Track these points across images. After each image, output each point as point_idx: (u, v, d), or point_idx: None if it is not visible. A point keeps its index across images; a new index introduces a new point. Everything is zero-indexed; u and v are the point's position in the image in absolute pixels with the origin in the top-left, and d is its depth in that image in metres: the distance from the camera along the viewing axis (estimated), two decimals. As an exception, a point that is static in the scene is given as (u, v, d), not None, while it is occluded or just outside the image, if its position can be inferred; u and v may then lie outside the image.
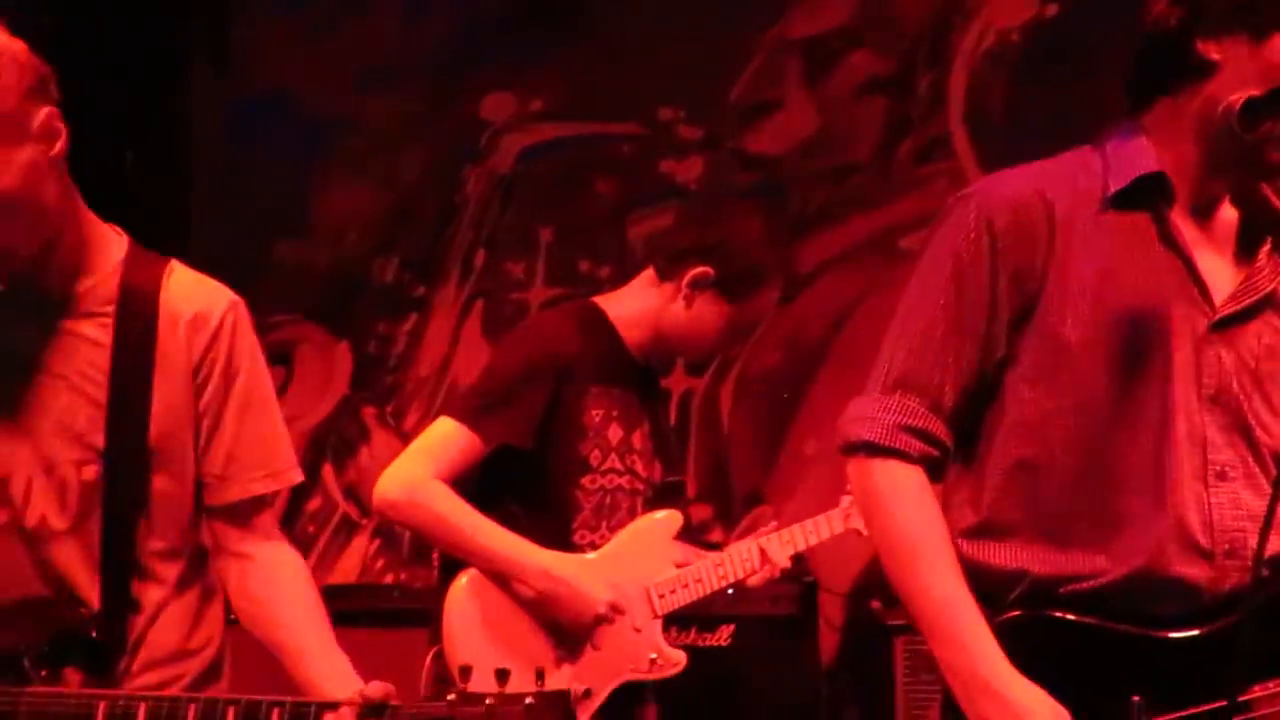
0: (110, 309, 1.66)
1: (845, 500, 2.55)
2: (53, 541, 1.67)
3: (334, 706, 1.50)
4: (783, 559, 2.50)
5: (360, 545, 3.91)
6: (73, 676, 1.63)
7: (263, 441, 1.73)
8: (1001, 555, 1.58)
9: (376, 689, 1.51)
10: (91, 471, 1.65)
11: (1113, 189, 1.59)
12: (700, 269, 2.38)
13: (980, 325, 1.58)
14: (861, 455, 1.59)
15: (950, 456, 1.62)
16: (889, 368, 1.60)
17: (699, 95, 3.88)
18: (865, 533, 2.57)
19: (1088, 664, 1.53)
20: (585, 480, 2.38)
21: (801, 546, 2.53)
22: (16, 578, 1.68)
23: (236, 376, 1.71)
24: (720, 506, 3.82)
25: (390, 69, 3.98)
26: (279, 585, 1.72)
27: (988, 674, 1.51)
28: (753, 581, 2.49)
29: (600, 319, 2.44)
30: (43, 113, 1.57)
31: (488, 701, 1.44)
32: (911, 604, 1.56)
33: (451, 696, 1.46)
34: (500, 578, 2.32)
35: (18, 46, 1.57)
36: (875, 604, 3.27)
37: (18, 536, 1.68)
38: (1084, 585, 1.55)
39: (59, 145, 1.59)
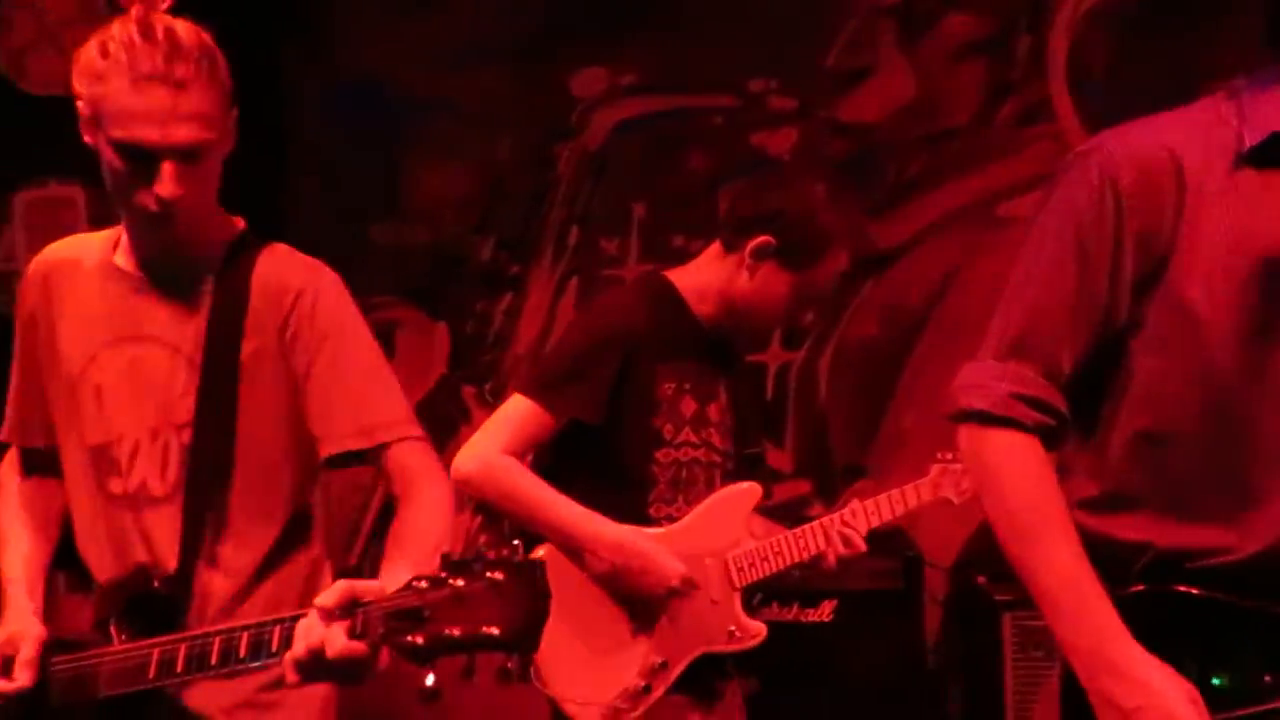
0: (212, 281, 1.76)
1: (934, 469, 2.51)
2: (151, 507, 1.75)
3: (304, 615, 1.50)
4: (866, 530, 2.45)
5: (463, 521, 3.95)
6: (156, 635, 1.67)
7: (365, 396, 1.75)
8: (1124, 528, 1.52)
9: (335, 593, 1.49)
10: (188, 435, 1.73)
11: (1248, 144, 1.48)
12: (761, 239, 2.37)
13: (1101, 290, 1.50)
14: (974, 424, 1.53)
15: (1067, 425, 1.55)
16: (1003, 333, 1.54)
17: (791, 65, 3.83)
18: (956, 501, 2.54)
19: (1215, 641, 1.48)
20: (659, 454, 2.38)
21: (888, 517, 2.48)
22: (130, 551, 1.76)
23: (325, 339, 1.75)
24: (819, 481, 3.78)
25: (480, 48, 3.99)
26: (398, 517, 1.74)
27: (1114, 653, 1.45)
28: (834, 556, 2.45)
29: (670, 293, 2.43)
30: (234, 110, 1.74)
31: (455, 584, 1.38)
32: (1030, 579, 1.50)
33: (421, 583, 1.41)
34: (574, 551, 2.33)
35: None
36: (981, 579, 3.21)
37: (126, 505, 1.76)
38: (1213, 560, 1.49)
39: (234, 135, 1.75)
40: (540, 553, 2.34)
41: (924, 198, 3.78)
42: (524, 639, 1.38)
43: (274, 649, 1.53)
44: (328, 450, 1.75)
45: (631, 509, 2.37)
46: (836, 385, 3.83)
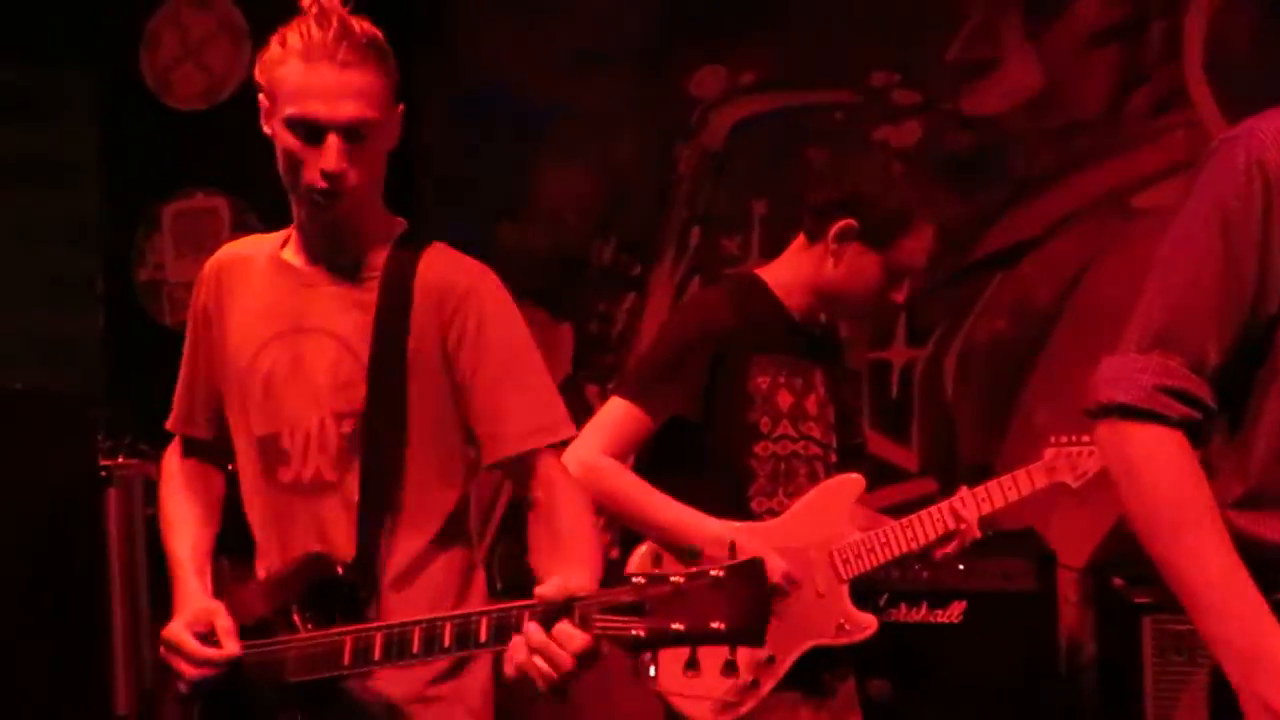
0: (377, 275, 1.82)
1: (1048, 452, 2.47)
2: (320, 494, 1.80)
3: (533, 607, 1.53)
4: (977, 517, 2.42)
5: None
6: (338, 623, 1.72)
7: (527, 400, 1.80)
8: (1273, 528, 1.46)
9: (555, 587, 1.53)
10: (349, 425, 1.79)
11: None
12: (842, 223, 2.38)
13: (1250, 278, 1.45)
14: (1115, 418, 1.48)
15: (1214, 420, 1.50)
16: (1145, 325, 1.49)
17: (913, 58, 3.78)
18: (1074, 485, 2.48)
19: None
20: (757, 448, 2.39)
21: (1000, 503, 2.44)
22: (299, 538, 1.81)
23: (488, 342, 1.80)
24: (945, 480, 3.72)
25: (602, 51, 4.02)
26: (554, 533, 1.77)
27: (1273, 651, 1.39)
28: (949, 548, 2.42)
29: (760, 288, 2.45)
30: (399, 106, 1.83)
31: (675, 580, 1.41)
32: (1176, 577, 1.44)
33: (639, 580, 1.43)
34: (675, 548, 2.33)
35: None
36: (1119, 581, 3.12)
37: (295, 493, 1.81)
38: None
39: (399, 131, 1.82)
40: (641, 551, 2.37)
41: (1054, 190, 3.69)
42: (751, 633, 1.40)
43: (481, 640, 1.57)
44: (505, 451, 1.79)
45: (732, 503, 2.37)
46: (964, 382, 3.76)
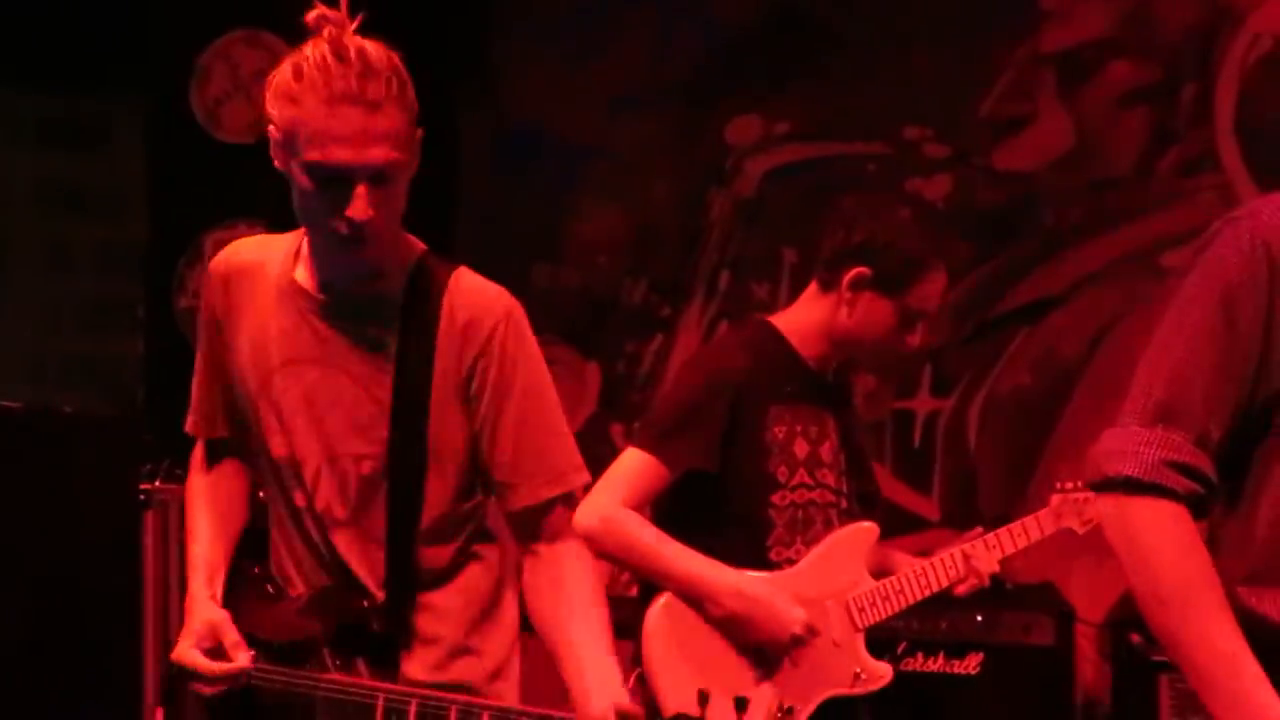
0: (397, 311, 1.73)
1: (1054, 499, 2.47)
2: (335, 529, 1.77)
3: None
4: (989, 564, 2.43)
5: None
6: (361, 665, 1.72)
7: (545, 447, 1.75)
8: (1276, 606, 1.47)
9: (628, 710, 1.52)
10: (367, 466, 1.74)
11: None
12: (855, 270, 2.37)
13: (1253, 358, 1.46)
14: (1119, 492, 1.48)
15: (1216, 495, 1.50)
16: (1147, 399, 1.49)
17: (946, 113, 3.82)
18: (1080, 531, 2.48)
19: None
20: (774, 497, 2.39)
21: (1010, 550, 2.46)
22: (316, 564, 1.79)
23: (511, 385, 1.73)
24: (966, 531, 3.73)
25: (639, 98, 4.09)
26: (558, 583, 1.74)
27: None
28: (960, 590, 2.44)
29: (775, 337, 2.44)
30: (419, 130, 1.71)
31: None
32: (1183, 655, 1.45)
33: None
34: (694, 600, 2.34)
35: None
36: (1136, 638, 3.12)
37: (311, 521, 1.78)
38: None
39: (418, 160, 1.71)
40: (660, 603, 2.37)
41: (1082, 247, 3.72)
42: None
43: None
44: (523, 500, 1.75)
45: (750, 553, 2.38)
46: (986, 434, 3.78)
